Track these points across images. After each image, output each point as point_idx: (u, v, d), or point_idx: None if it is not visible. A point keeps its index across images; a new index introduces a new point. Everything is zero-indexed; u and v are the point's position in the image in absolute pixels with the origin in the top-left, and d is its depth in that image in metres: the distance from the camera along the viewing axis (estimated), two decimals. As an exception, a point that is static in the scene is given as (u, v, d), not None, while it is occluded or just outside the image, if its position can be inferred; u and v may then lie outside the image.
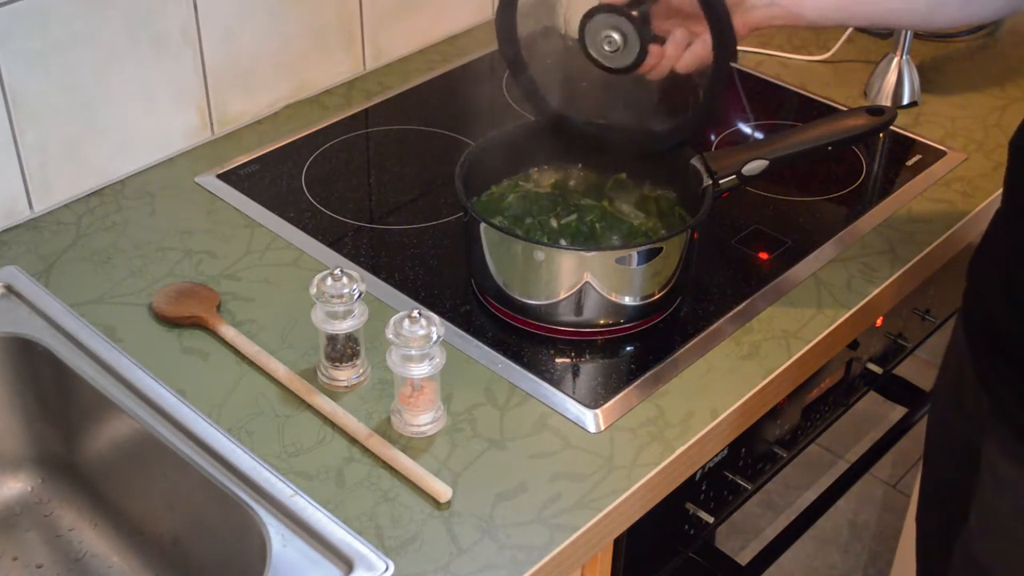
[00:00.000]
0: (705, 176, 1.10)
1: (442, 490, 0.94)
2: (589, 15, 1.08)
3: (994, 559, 1.09)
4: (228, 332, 1.09)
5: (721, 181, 1.10)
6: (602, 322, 1.09)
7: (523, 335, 1.10)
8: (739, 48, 1.58)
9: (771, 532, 1.26)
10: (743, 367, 1.08)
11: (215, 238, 1.22)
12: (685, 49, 1.08)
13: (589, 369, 1.08)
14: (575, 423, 1.02)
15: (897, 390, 1.39)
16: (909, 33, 1.43)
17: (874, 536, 1.77)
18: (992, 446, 1.07)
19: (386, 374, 1.03)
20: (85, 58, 1.21)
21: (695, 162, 1.11)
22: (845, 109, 1.45)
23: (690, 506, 1.12)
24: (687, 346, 1.10)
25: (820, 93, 1.49)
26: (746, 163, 1.11)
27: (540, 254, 1.06)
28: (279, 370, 1.05)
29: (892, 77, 1.46)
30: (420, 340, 0.95)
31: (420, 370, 0.96)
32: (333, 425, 1.01)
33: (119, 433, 1.04)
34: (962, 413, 1.15)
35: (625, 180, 1.19)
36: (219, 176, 1.31)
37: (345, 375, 1.04)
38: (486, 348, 1.09)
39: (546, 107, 1.18)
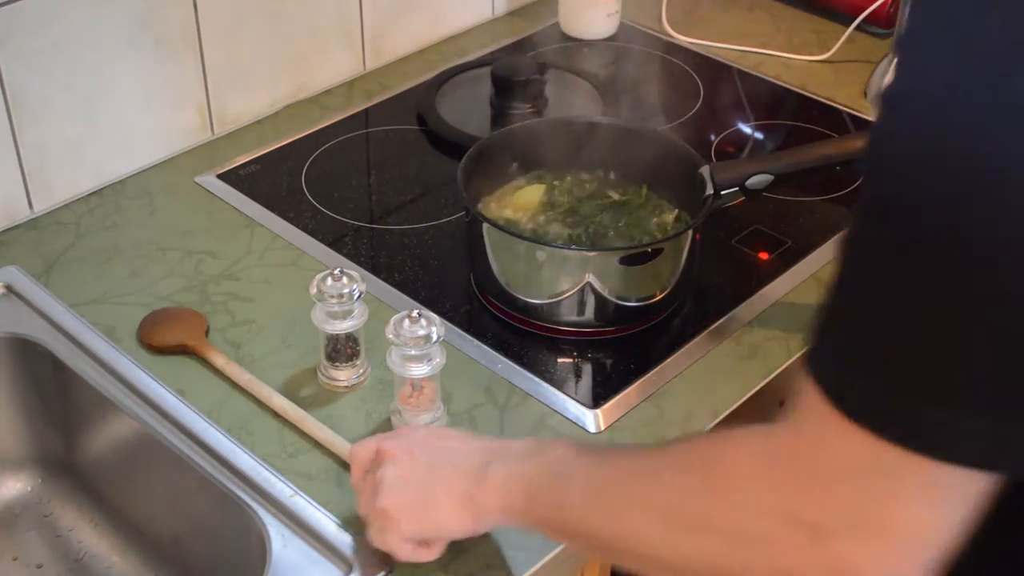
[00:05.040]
0: (709, 185, 1.10)
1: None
2: None
3: None
4: (218, 359, 1.05)
5: (723, 192, 1.10)
6: (603, 322, 1.09)
7: (523, 335, 1.10)
8: (739, 48, 1.58)
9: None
10: (743, 367, 1.08)
11: (215, 238, 1.22)
12: None
13: (589, 369, 1.08)
14: (575, 423, 1.02)
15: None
16: (909, 33, 1.43)
17: (874, 536, 1.77)
18: None
19: (386, 374, 1.03)
20: (85, 58, 1.21)
21: (703, 171, 1.11)
22: (852, 121, 1.45)
23: (690, 506, 1.12)
24: (687, 346, 1.10)
25: (820, 93, 1.49)
26: (750, 176, 1.10)
27: (542, 254, 1.06)
28: (272, 398, 1.01)
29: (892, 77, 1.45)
30: (420, 340, 0.95)
31: (420, 370, 0.96)
32: (332, 424, 1.01)
33: (119, 433, 1.04)
34: None
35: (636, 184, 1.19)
36: (219, 176, 1.31)
37: (345, 375, 1.04)
38: (486, 348, 1.09)
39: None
